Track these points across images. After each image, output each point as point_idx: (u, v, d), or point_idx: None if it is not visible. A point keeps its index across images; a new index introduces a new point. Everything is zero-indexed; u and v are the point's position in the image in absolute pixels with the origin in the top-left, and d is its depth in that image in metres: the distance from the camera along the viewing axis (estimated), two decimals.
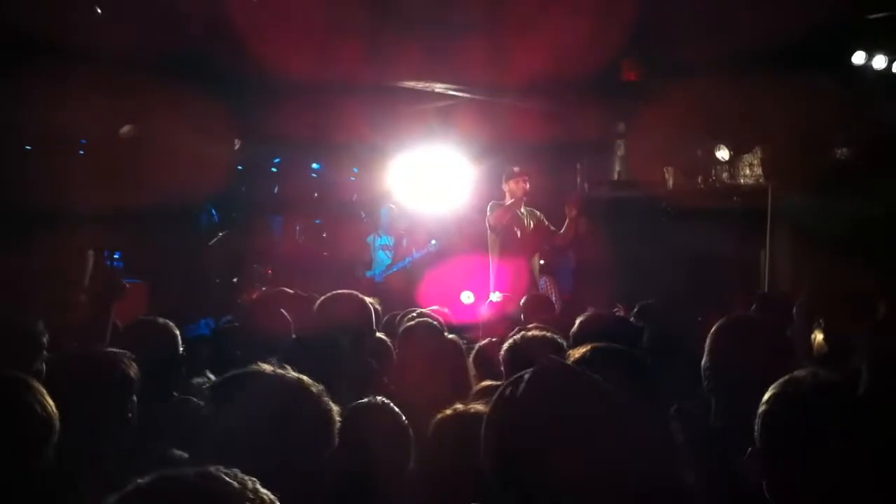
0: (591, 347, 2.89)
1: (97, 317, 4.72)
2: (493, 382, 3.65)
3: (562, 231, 8.95)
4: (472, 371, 4.28)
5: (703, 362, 2.94)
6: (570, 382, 1.83)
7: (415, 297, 8.68)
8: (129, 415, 3.00)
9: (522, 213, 8.87)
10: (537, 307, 6.01)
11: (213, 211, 11.30)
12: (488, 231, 8.86)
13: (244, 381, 2.23)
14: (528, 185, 8.82)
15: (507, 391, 1.83)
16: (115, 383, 3.01)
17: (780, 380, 2.19)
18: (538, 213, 9.02)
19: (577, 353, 2.88)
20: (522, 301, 6.27)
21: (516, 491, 1.75)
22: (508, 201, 8.78)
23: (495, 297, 8.40)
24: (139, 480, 1.32)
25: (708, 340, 2.95)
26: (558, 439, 1.72)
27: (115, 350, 3.25)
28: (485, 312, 7.45)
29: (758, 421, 2.17)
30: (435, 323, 4.64)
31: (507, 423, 1.80)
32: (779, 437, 2.13)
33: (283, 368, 2.26)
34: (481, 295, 8.95)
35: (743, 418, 2.39)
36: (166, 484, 1.32)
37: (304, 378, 2.22)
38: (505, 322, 5.89)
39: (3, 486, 2.31)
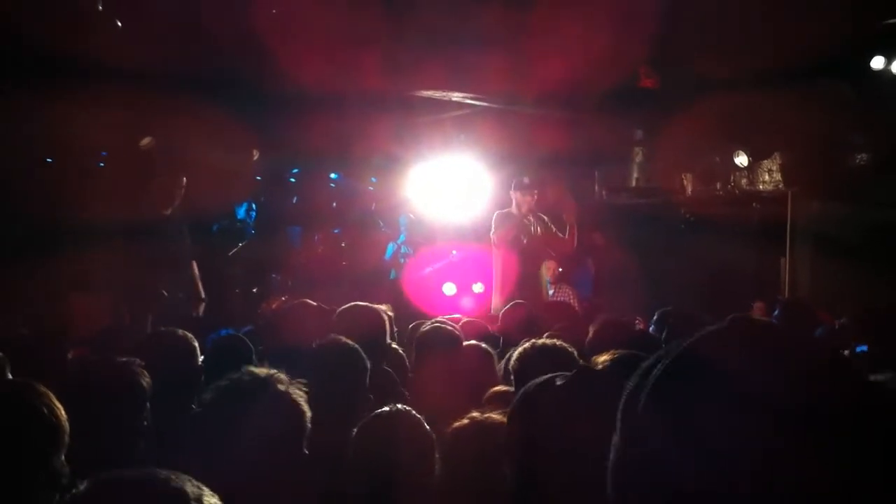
0: (613, 355, 2.89)
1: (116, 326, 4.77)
2: (504, 388, 3.68)
3: (565, 237, 8.92)
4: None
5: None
6: (608, 390, 1.83)
7: (433, 305, 8.69)
8: (143, 423, 3.03)
9: (529, 221, 8.86)
10: (557, 314, 6.00)
11: (247, 214, 11.38)
12: (493, 240, 8.89)
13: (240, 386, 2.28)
14: (535, 198, 8.81)
15: (542, 395, 1.82)
16: (126, 391, 3.05)
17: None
18: (546, 218, 8.99)
19: (599, 360, 2.88)
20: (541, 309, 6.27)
21: (539, 494, 1.75)
22: (514, 210, 8.80)
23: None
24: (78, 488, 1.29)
25: None
26: (592, 443, 1.72)
27: (126, 359, 3.28)
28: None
29: None
30: (451, 329, 4.65)
31: (543, 426, 1.79)
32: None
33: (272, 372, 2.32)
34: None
35: None
36: (104, 488, 1.30)
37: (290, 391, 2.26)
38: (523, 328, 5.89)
39: (11, 493, 2.32)
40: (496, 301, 8.64)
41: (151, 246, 7.98)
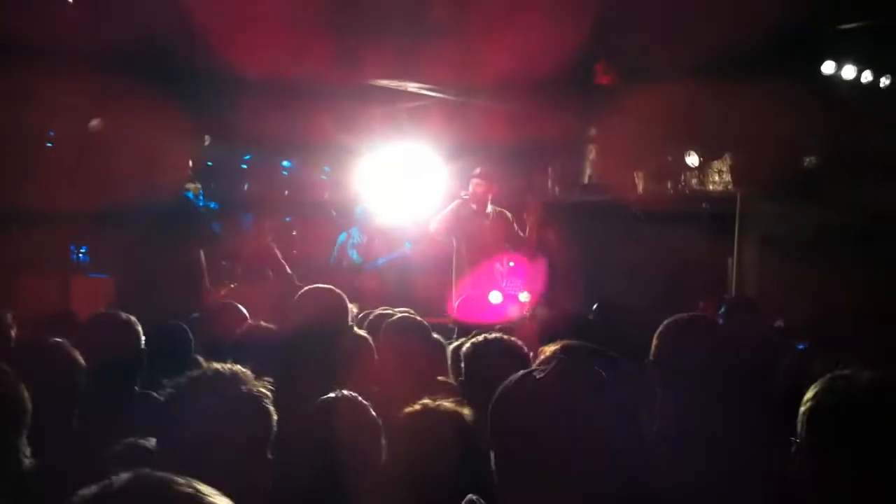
0: (562, 346, 2.91)
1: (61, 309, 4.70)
2: (448, 379, 3.76)
3: (525, 236, 8.93)
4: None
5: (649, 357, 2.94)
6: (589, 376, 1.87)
7: (387, 296, 8.65)
8: (75, 402, 2.99)
9: (488, 214, 8.85)
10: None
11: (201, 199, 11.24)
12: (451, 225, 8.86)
13: (202, 383, 2.22)
14: (483, 189, 8.78)
15: (523, 388, 1.83)
16: (57, 371, 3.01)
17: (826, 377, 2.24)
18: (508, 215, 8.98)
19: (547, 350, 2.89)
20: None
21: (516, 472, 1.76)
22: (472, 200, 8.78)
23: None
24: (113, 478, 1.26)
25: (655, 337, 2.95)
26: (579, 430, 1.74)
27: (58, 339, 3.23)
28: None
29: (803, 418, 2.20)
30: (419, 320, 4.65)
31: (528, 407, 1.79)
32: (829, 435, 2.16)
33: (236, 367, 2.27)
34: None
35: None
36: (138, 485, 1.27)
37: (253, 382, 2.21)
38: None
39: None
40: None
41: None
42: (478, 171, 8.90)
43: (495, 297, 8.97)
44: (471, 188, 8.84)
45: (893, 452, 2.10)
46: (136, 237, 8.45)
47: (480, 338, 3.63)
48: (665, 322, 2.93)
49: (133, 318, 3.90)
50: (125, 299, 7.66)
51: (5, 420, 2.40)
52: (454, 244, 8.91)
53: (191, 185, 10.05)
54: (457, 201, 8.87)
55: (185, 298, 7.80)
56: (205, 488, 1.28)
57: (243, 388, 2.18)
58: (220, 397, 2.15)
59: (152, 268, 8.45)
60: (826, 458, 2.17)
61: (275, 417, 2.20)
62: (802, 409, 2.22)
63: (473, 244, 8.73)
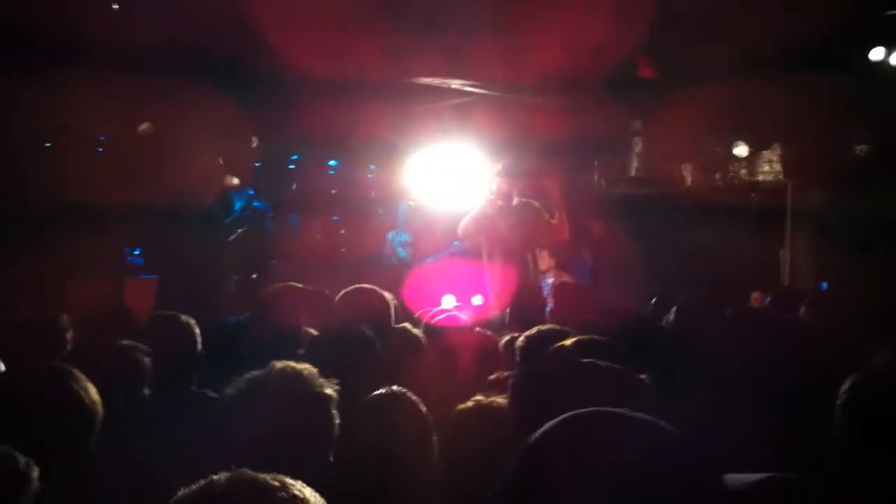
0: (576, 341, 2.92)
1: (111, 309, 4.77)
2: (507, 373, 3.69)
3: (554, 224, 8.74)
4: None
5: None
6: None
7: (433, 295, 8.66)
8: (141, 405, 3.04)
9: (509, 207, 8.68)
10: (570, 299, 6.00)
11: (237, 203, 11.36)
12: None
13: (263, 382, 2.23)
14: (507, 185, 8.61)
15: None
16: (127, 375, 3.05)
17: (863, 367, 2.23)
18: (536, 204, 8.76)
19: (567, 343, 2.91)
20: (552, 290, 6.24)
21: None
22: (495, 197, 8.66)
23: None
24: (214, 478, 1.34)
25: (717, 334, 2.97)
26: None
27: (129, 342, 3.29)
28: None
29: (840, 409, 2.20)
30: (462, 318, 4.66)
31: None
32: (865, 424, 2.16)
33: (303, 366, 2.27)
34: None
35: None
36: (240, 484, 1.34)
37: (320, 382, 2.22)
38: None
39: (59, 474, 2.34)
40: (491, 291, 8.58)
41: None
42: (500, 167, 8.78)
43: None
44: (495, 185, 8.71)
45: None
46: (177, 237, 8.56)
47: (534, 330, 3.61)
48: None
49: (191, 320, 3.96)
50: (166, 299, 7.78)
51: (79, 423, 2.46)
52: (484, 243, 8.81)
53: (232, 182, 10.15)
54: (483, 200, 8.79)
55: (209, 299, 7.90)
56: (297, 486, 1.36)
57: (308, 389, 2.20)
58: (285, 398, 2.17)
59: (188, 267, 8.56)
60: (863, 447, 2.16)
61: (338, 421, 2.21)
62: (839, 400, 2.21)
63: (501, 241, 8.61)
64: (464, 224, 8.60)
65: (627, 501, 1.21)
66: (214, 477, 1.33)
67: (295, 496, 1.33)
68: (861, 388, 2.20)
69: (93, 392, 2.48)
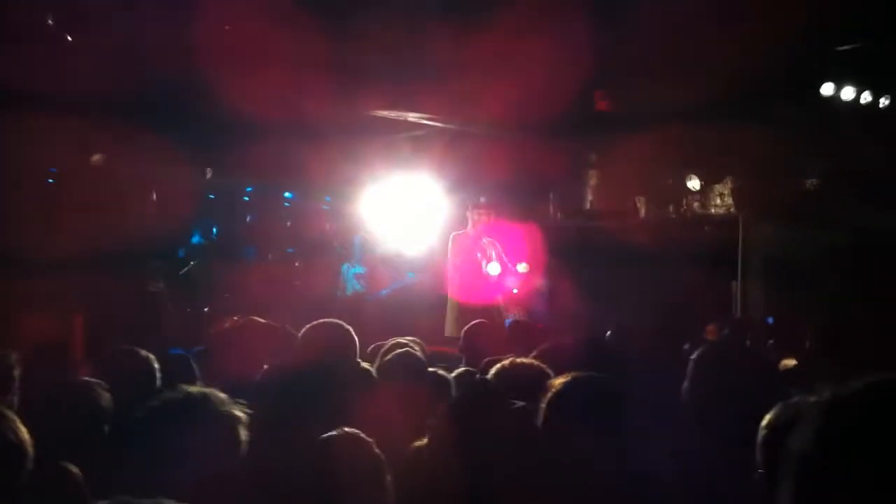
0: (571, 377, 2.87)
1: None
2: None
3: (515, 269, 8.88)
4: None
5: (683, 386, 2.97)
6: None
7: (391, 327, 8.62)
8: (101, 442, 2.98)
9: (485, 243, 8.81)
10: (520, 335, 5.97)
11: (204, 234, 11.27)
12: (450, 262, 8.84)
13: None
14: (490, 218, 8.78)
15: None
16: (87, 412, 2.99)
17: (779, 405, 2.22)
18: (498, 245, 8.93)
19: (556, 382, 2.86)
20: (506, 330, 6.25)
21: None
22: (470, 231, 8.78)
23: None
24: None
25: (690, 366, 2.98)
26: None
27: (87, 379, 3.23)
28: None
29: (760, 446, 2.19)
30: (418, 355, 4.58)
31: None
32: (782, 462, 2.15)
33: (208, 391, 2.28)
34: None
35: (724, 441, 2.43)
36: None
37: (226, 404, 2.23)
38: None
39: None
40: (449, 326, 8.60)
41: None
42: (482, 200, 8.86)
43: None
44: (472, 217, 8.81)
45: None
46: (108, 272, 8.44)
47: (507, 362, 3.55)
48: (702, 349, 2.97)
49: (150, 355, 3.89)
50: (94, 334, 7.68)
51: (6, 461, 2.41)
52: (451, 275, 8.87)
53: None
54: (458, 233, 8.86)
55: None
56: None
57: (217, 407, 2.20)
58: (190, 419, 2.17)
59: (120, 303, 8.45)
60: (782, 488, 2.15)
61: (244, 437, 2.20)
62: (759, 437, 2.21)
63: (468, 275, 8.69)
64: (453, 258, 8.61)
65: None
66: None
67: None
68: (772, 427, 2.19)
69: (21, 430, 2.43)
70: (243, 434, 2.24)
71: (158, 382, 3.82)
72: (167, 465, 2.06)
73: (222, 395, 2.30)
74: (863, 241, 8.81)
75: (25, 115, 7.27)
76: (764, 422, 2.22)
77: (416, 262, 10.55)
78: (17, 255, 7.78)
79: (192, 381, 4.34)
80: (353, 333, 4.09)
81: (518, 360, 3.57)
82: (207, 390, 2.29)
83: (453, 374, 4.59)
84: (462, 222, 9.18)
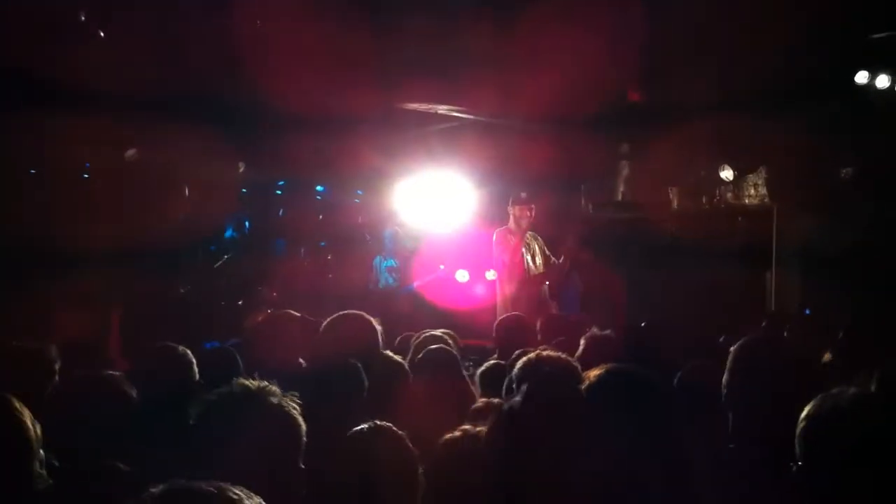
0: (606, 370, 2.86)
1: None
2: (490, 400, 3.65)
3: (560, 261, 8.84)
4: (477, 391, 4.24)
5: (723, 379, 2.96)
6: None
7: (421, 319, 8.64)
8: (127, 436, 3.02)
9: (528, 239, 8.79)
10: (554, 328, 5.96)
11: (237, 228, 11.37)
12: (496, 258, 8.79)
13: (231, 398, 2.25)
14: (533, 213, 8.70)
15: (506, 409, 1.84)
16: (113, 405, 3.03)
17: (818, 397, 2.24)
18: (539, 240, 8.91)
19: (591, 374, 2.85)
20: (538, 323, 6.22)
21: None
22: (513, 226, 8.71)
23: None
24: (152, 490, 1.35)
25: (729, 359, 2.97)
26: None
27: (113, 373, 3.27)
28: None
29: (798, 439, 2.21)
30: (449, 349, 4.59)
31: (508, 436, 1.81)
32: (822, 453, 2.16)
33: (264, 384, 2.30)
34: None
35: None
36: (179, 494, 1.35)
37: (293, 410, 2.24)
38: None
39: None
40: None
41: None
42: (523, 195, 8.76)
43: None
44: (514, 213, 8.73)
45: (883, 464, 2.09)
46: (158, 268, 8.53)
47: (533, 355, 3.52)
48: (742, 341, 2.97)
49: (187, 350, 3.93)
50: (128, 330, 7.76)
51: (14, 449, 2.46)
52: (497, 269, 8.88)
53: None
54: (501, 229, 8.80)
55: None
56: (238, 491, 1.37)
57: (272, 399, 2.22)
58: (249, 411, 2.20)
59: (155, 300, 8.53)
60: (821, 479, 2.16)
61: (303, 427, 2.23)
62: (797, 429, 2.22)
63: (513, 270, 8.65)
64: (502, 256, 8.60)
65: None
66: (152, 489, 1.35)
67: (231, 499, 1.35)
68: (814, 418, 2.21)
69: (28, 421, 2.48)
70: (303, 428, 2.26)
71: (196, 377, 3.85)
72: (228, 461, 2.07)
73: (276, 389, 2.29)
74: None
75: (59, 111, 7.34)
76: (804, 413, 2.23)
77: (447, 255, 10.57)
78: (53, 251, 7.89)
79: (236, 374, 4.40)
80: (375, 324, 4.10)
81: (545, 352, 3.54)
82: (263, 384, 2.30)
83: (482, 368, 4.60)
84: (496, 216, 9.15)
